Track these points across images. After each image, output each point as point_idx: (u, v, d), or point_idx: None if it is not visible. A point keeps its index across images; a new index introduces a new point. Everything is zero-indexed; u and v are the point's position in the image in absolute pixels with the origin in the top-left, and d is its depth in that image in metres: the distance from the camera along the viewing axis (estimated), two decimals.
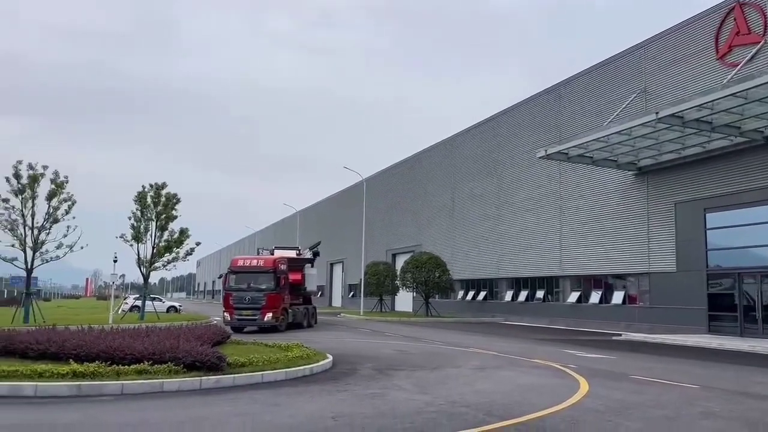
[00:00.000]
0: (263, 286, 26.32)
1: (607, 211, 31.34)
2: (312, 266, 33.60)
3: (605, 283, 31.71)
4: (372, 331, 27.09)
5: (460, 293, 44.83)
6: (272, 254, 31.82)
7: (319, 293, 70.89)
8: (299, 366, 12.27)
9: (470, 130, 45.25)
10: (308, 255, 34.05)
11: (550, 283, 35.89)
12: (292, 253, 32.95)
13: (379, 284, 46.05)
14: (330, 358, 13.84)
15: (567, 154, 27.89)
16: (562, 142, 28.58)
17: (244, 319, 25.74)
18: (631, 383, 11.75)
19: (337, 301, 69.37)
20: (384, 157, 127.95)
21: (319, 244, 37.43)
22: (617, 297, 30.55)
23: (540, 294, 36.44)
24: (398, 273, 43.98)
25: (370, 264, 48.18)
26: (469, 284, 44.13)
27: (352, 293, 62.06)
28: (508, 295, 39.31)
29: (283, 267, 27.60)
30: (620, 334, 26.00)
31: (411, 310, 46.68)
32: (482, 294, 42.28)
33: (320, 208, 77.97)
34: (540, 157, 29.30)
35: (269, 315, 25.61)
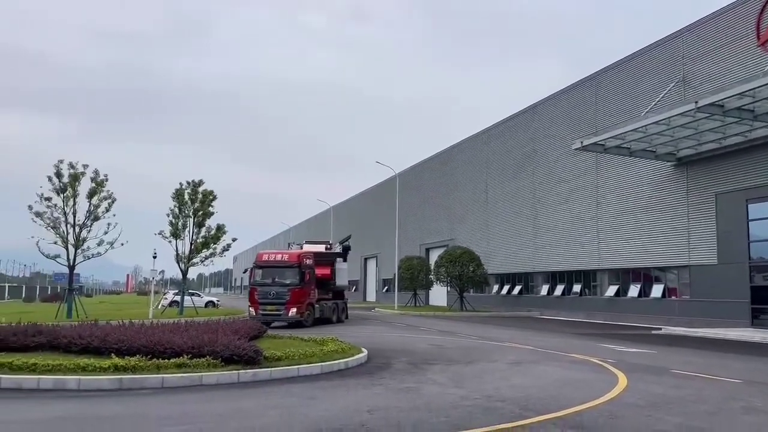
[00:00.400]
0: (288, 281, 26.08)
1: (645, 202, 30.76)
2: (344, 261, 33.19)
3: (644, 277, 31.14)
4: (406, 326, 27.11)
5: (495, 287, 44.55)
6: (302, 249, 31.68)
7: (353, 288, 71.35)
8: (334, 360, 12.36)
9: (504, 123, 44.84)
10: (338, 249, 33.50)
11: (587, 277, 35.40)
12: (321, 248, 32.44)
13: (413, 279, 46.05)
14: (365, 352, 13.90)
15: (603, 145, 27.44)
16: (598, 134, 28.13)
17: (269, 314, 25.42)
18: (671, 378, 11.53)
19: (371, 296, 69.62)
20: (417, 152, 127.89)
21: (349, 238, 36.93)
22: (656, 290, 29.98)
23: (577, 288, 35.97)
24: (432, 267, 43.89)
25: (404, 259, 48.21)
26: (503, 278, 43.82)
27: (386, 288, 62.19)
28: (544, 289, 38.91)
29: (308, 262, 27.31)
30: (660, 328, 25.52)
31: (445, 305, 46.59)
32: (517, 288, 41.94)
33: (353, 204, 78.26)
34: (576, 149, 28.89)
35: (293, 310, 25.39)
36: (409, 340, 19.65)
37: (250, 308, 26.68)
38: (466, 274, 39.91)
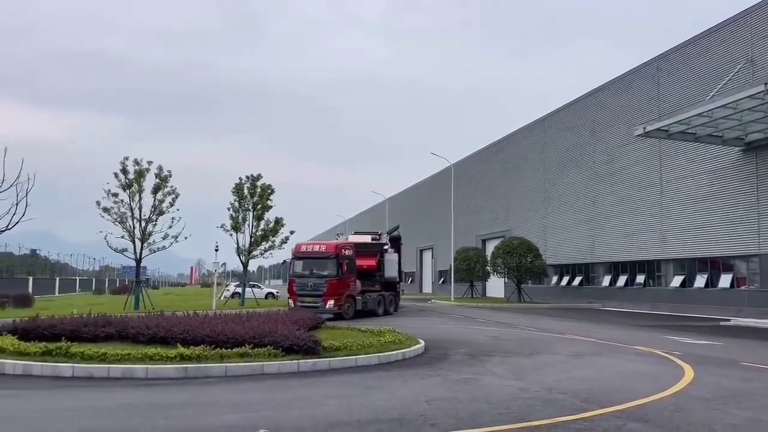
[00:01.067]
0: (325, 273, 25.53)
1: (711, 189, 29.61)
2: (394, 252, 32.54)
3: (711, 266, 30.02)
4: (463, 317, 26.97)
5: (554, 279, 43.80)
6: (347, 240, 31.36)
7: (409, 280, 71.43)
8: (392, 351, 12.42)
9: (563, 110, 43.91)
10: (385, 240, 32.66)
11: (650, 267, 34.39)
12: (367, 239, 31.74)
13: (469, 270, 45.75)
14: (422, 343, 13.91)
15: (667, 131, 26.52)
16: (662, 119, 27.22)
17: (306, 306, 24.65)
18: (740, 370, 11.10)
19: (427, 288, 69.55)
20: (472, 141, 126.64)
21: (397, 228, 35.95)
22: (724, 280, 28.88)
23: (640, 278, 35.00)
24: (489, 259, 43.48)
25: (460, 250, 47.92)
26: (563, 269, 43.03)
27: (442, 279, 62.01)
28: (606, 280, 38.01)
29: (347, 252, 26.63)
30: (728, 320, 24.55)
31: (503, 296, 46.12)
32: (577, 279, 41.12)
33: (408, 195, 78.23)
34: (638, 135, 28.05)
35: (331, 302, 24.81)
36: (467, 331, 19.56)
37: (289, 300, 26.48)
38: (523, 265, 39.37)
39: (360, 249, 28.84)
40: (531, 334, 18.73)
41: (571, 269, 42.13)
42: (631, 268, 35.91)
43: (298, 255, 27.06)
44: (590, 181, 39.62)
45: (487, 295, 50.91)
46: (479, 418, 7.19)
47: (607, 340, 16.47)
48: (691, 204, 30.96)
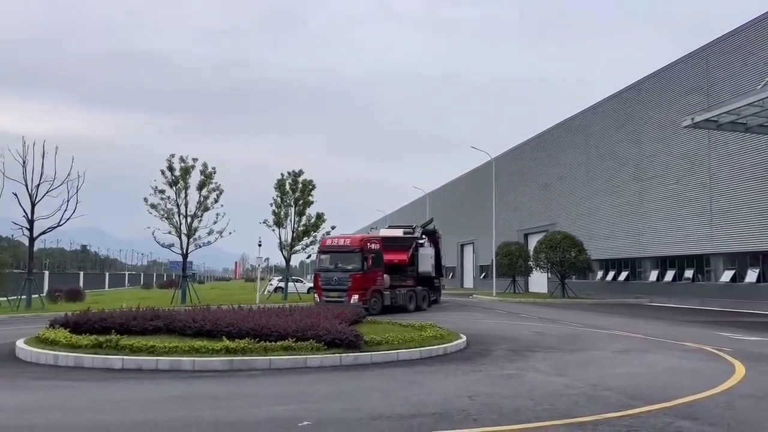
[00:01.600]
0: (349, 267, 25.05)
1: (763, 181, 28.61)
2: (431, 246, 31.76)
3: (763, 260, 29.04)
4: (506, 312, 26.75)
5: (599, 274, 43.03)
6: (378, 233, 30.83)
7: (450, 275, 71.16)
8: (433, 345, 12.41)
9: (606, 102, 43.04)
10: (418, 233, 31.46)
11: (699, 262, 33.47)
12: (399, 232, 30.98)
13: (511, 265, 45.28)
14: (464, 338, 13.85)
15: (717, 121, 25.69)
16: (710, 109, 26.38)
17: (331, 300, 24.27)
18: None
19: (468, 282, 69.18)
20: (514, 135, 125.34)
21: (431, 221, 34.88)
22: None
23: (688, 273, 34.10)
24: (531, 253, 42.96)
25: (502, 245, 47.49)
26: (608, 264, 42.23)
27: (483, 274, 61.58)
28: (653, 275, 37.16)
29: (373, 246, 26.02)
30: None
31: (546, 292, 45.54)
32: (623, 274, 40.31)
33: (449, 189, 77.87)
34: (686, 126, 27.28)
35: (355, 297, 24.12)
36: (509, 326, 19.39)
37: (315, 295, 26.06)
38: (567, 259, 38.75)
39: (389, 243, 28.35)
40: (575, 329, 18.46)
41: (616, 264, 41.33)
42: (679, 262, 35.02)
43: (323, 249, 26.83)
44: (636, 173, 38.75)
45: (530, 290, 50.35)
46: (522, 414, 7.13)
47: (654, 336, 16.11)
48: (741, 196, 29.99)
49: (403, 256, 28.89)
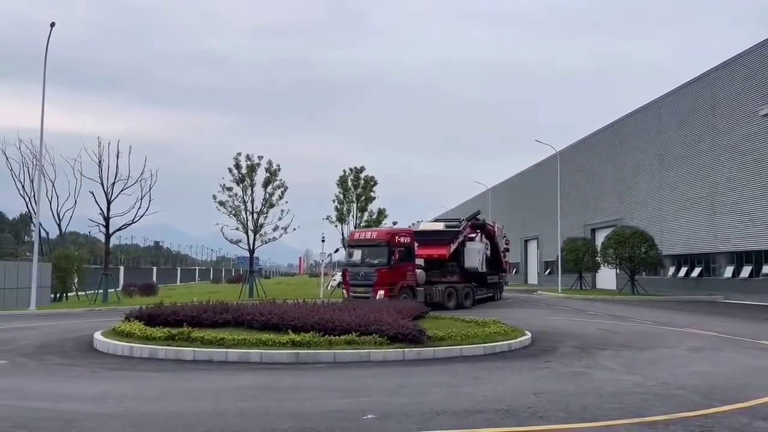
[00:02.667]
0: (376, 261, 24.04)
1: None
2: (481, 240, 30.08)
3: None
4: (572, 309, 26.18)
5: (671, 270, 41.50)
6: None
7: (513, 270, 70.18)
8: (497, 342, 12.29)
9: (678, 91, 41.39)
10: (462, 227, 29.61)
11: None
12: (439, 226, 29.57)
13: (577, 261, 44.23)
14: (528, 335, 13.65)
15: None
16: None
17: (358, 296, 23.05)
18: None
19: (532, 279, 68.05)
20: (579, 127, 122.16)
21: (477, 214, 32.74)
22: None
23: (767, 269, 32.45)
24: (599, 249, 41.86)
25: (567, 240, 46.45)
26: (680, 260, 40.68)
27: (548, 270, 60.43)
28: (728, 271, 35.55)
29: (403, 240, 24.76)
30: None
31: (614, 288, 44.28)
32: (697, 270, 38.73)
33: (512, 184, 76.75)
34: (764, 116, 25.97)
35: (381, 293, 22.79)
36: (576, 324, 18.97)
37: (343, 290, 25.29)
38: (637, 255, 37.54)
39: (427, 237, 27.29)
40: (645, 327, 17.89)
41: (689, 260, 39.76)
42: (756, 257, 33.38)
43: (351, 243, 25.85)
44: (710, 165, 37.13)
45: (597, 286, 49.07)
46: (590, 413, 6.97)
47: (728, 334, 15.43)
48: None
49: (443, 251, 27.24)
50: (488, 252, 30.83)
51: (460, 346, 11.60)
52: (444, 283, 26.56)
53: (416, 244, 25.92)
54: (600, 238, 44.83)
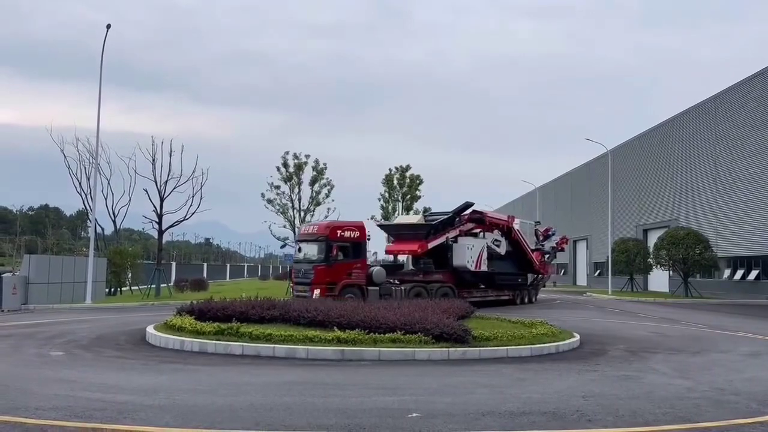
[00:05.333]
0: (314, 258, 22.10)
1: None
2: (477, 237, 26.82)
3: None
4: (622, 311, 25.60)
5: (726, 272, 40.13)
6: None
7: (561, 271, 68.98)
8: (544, 343, 12.11)
9: (738, 87, 39.95)
10: (440, 221, 26.05)
11: None
12: (413, 219, 26.71)
13: (628, 262, 43.21)
14: (577, 337, 13.41)
15: None
16: None
17: (300, 295, 21.41)
18: None
19: (581, 280, 66.79)
20: (631, 125, 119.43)
21: (467, 206, 27.04)
22: None
23: None
24: (651, 250, 40.79)
25: (618, 241, 45.42)
26: (737, 262, 39.30)
27: (598, 272, 59.21)
28: None
29: (349, 234, 22.45)
30: None
31: (666, 291, 43.09)
32: (754, 273, 37.33)
33: (561, 183, 75.48)
34: None
35: (316, 292, 20.91)
36: (626, 326, 18.55)
37: (291, 288, 23.87)
38: (691, 257, 36.45)
39: (400, 232, 25.42)
40: (699, 331, 17.36)
41: (746, 262, 38.36)
42: None
43: (298, 238, 23.84)
44: None
45: (649, 289, 47.84)
46: (640, 417, 6.81)
47: None
48: None
49: (413, 246, 24.57)
50: (500, 249, 27.89)
51: (506, 347, 11.48)
52: (411, 282, 24.18)
53: (391, 239, 24.85)
54: (653, 239, 43.71)
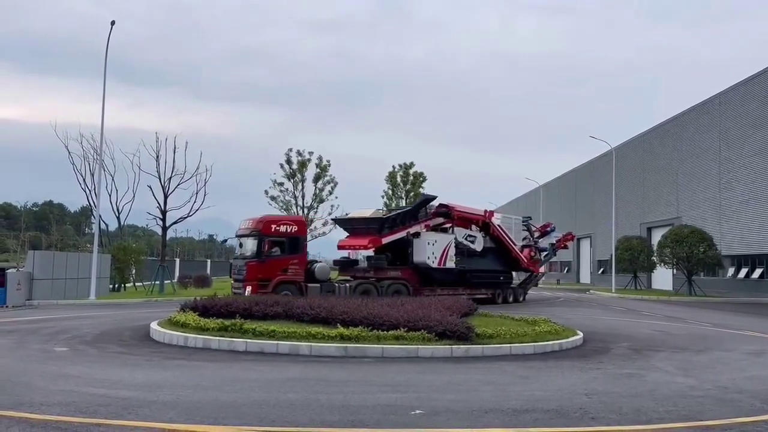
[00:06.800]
0: (248, 254, 21.40)
1: None
2: (442, 231, 25.60)
3: None
4: (626, 310, 25.57)
5: (730, 270, 40.06)
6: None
7: (565, 269, 68.87)
8: (548, 341, 12.11)
9: (742, 85, 39.83)
10: (391, 215, 25.12)
11: None
12: (366, 213, 25.11)
13: (632, 260, 43.15)
14: (580, 334, 13.41)
15: None
16: None
17: (236, 292, 20.92)
18: None
19: (585, 278, 66.74)
20: (635, 124, 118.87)
21: (428, 200, 25.96)
22: None
23: None
24: (655, 248, 40.72)
25: (622, 239, 45.35)
26: (740, 260, 39.22)
27: (601, 270, 59.16)
28: None
29: (284, 229, 21.49)
30: None
31: (670, 289, 43.03)
32: (758, 271, 37.27)
33: (565, 181, 75.37)
34: None
35: (248, 289, 20.32)
36: (630, 324, 18.53)
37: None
38: (695, 255, 36.38)
39: (353, 226, 24.66)
40: (702, 329, 17.33)
41: (750, 260, 38.29)
42: None
43: (236, 233, 23.06)
44: None
45: (653, 287, 47.78)
46: (643, 415, 6.81)
47: None
48: None
49: (363, 242, 23.58)
50: (475, 245, 26.43)
51: (509, 345, 11.49)
52: (360, 278, 23.43)
53: (346, 234, 24.39)
54: (656, 237, 43.64)
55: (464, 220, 26.21)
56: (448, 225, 25.74)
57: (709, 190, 42.66)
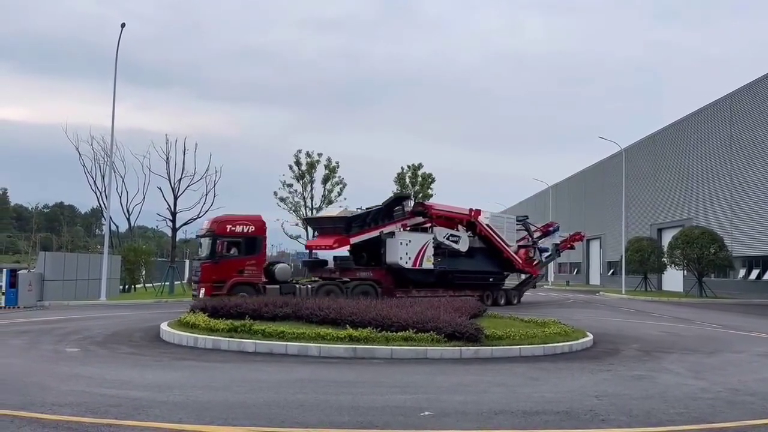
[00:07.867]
0: (204, 255, 21.11)
1: None
2: (420, 230, 24.83)
3: None
4: (636, 311, 25.44)
5: (742, 272, 39.78)
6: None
7: (575, 271, 68.57)
8: (557, 342, 12.07)
9: (754, 85, 39.56)
10: (360, 215, 24.18)
11: None
12: (333, 212, 24.93)
13: (642, 261, 42.94)
14: (590, 336, 13.35)
15: None
16: None
17: (194, 293, 20.69)
18: None
19: (594, 279, 66.48)
20: (645, 124, 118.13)
21: (403, 198, 25.86)
22: None
23: None
24: (665, 249, 40.50)
25: (632, 240, 45.15)
26: (752, 262, 38.94)
27: (611, 271, 58.91)
28: None
29: (241, 229, 20.90)
30: None
31: (681, 290, 42.79)
32: None
33: (574, 182, 75.12)
34: None
35: (202, 291, 19.86)
36: (640, 326, 18.44)
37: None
38: (706, 256, 36.16)
39: (321, 226, 24.22)
40: (713, 331, 17.23)
41: (762, 262, 38.01)
42: None
43: (196, 234, 22.76)
44: None
45: (663, 288, 47.54)
46: (654, 417, 6.78)
47: None
48: None
49: (328, 242, 23.12)
50: (459, 246, 25.44)
51: (518, 346, 11.46)
52: (326, 279, 22.84)
53: (315, 234, 23.99)
54: (667, 238, 43.42)
55: (446, 219, 25.40)
56: (428, 225, 25.03)
57: (720, 191, 42.40)
